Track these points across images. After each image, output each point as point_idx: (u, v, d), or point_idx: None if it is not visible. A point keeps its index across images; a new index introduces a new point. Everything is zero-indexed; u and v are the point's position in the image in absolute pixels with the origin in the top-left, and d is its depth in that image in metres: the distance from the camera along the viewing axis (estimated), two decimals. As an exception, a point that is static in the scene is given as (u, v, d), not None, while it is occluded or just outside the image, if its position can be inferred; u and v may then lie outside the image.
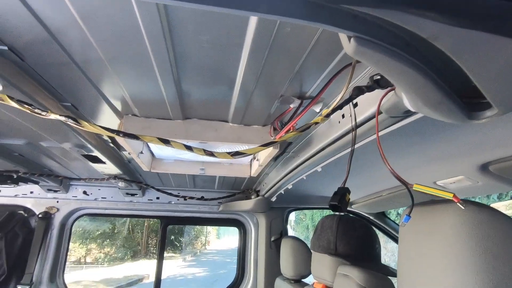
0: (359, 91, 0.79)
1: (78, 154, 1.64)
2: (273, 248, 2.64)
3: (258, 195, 2.59)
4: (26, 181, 2.18)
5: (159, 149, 1.67)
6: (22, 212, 2.42)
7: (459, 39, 0.39)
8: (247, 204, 2.59)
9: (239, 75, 0.91)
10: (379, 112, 0.81)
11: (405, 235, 0.78)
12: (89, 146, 1.47)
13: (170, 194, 2.47)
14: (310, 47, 0.77)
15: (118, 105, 1.18)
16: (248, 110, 1.17)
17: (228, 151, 0.84)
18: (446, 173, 1.41)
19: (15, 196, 2.41)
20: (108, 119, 1.29)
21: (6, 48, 0.78)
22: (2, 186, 2.25)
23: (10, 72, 0.85)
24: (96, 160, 1.73)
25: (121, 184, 2.21)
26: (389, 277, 1.12)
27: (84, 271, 12.87)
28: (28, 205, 2.44)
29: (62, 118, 0.81)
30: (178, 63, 0.85)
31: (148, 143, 1.62)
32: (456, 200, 0.62)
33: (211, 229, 21.63)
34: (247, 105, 1.12)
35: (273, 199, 2.41)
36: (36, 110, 0.84)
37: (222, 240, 23.79)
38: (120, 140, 1.30)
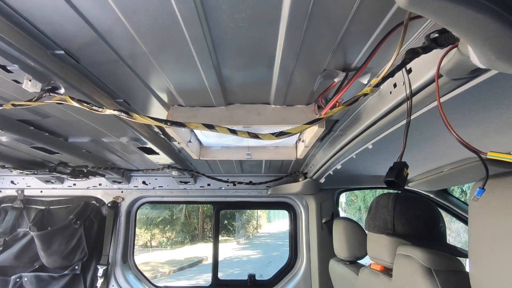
0: (413, 53, 0.70)
1: (135, 147, 1.77)
2: (325, 230, 2.60)
3: (306, 177, 2.55)
4: (94, 174, 2.44)
5: (205, 137, 1.73)
6: (94, 202, 2.73)
7: None
8: (295, 187, 2.58)
9: (278, 52, 0.88)
10: (439, 75, 0.72)
11: (478, 211, 0.69)
12: (143, 138, 1.58)
13: (220, 180, 2.56)
14: (353, 11, 0.71)
15: (164, 97, 1.23)
16: (290, 89, 1.14)
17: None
18: None
19: (87, 188, 2.72)
20: (157, 111, 1.36)
21: (63, 52, 0.85)
22: (76, 180, 2.55)
23: (69, 74, 0.94)
24: (150, 151, 1.86)
25: (174, 173, 2.35)
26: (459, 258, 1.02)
27: (150, 254, 14.26)
28: (98, 196, 2.74)
29: (116, 112, 0.87)
30: (216, 48, 0.85)
31: (195, 132, 1.68)
32: None
33: (261, 213, 22.19)
34: (288, 84, 1.09)
35: (322, 180, 2.36)
36: (93, 108, 0.92)
37: (273, 224, 24.33)
38: (169, 130, 1.36)
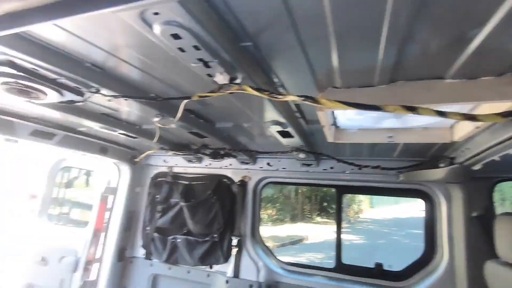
0: None
1: (274, 131, 1.84)
2: (476, 226, 2.20)
3: (451, 163, 2.18)
4: (229, 156, 2.71)
5: (347, 120, 1.64)
6: (226, 180, 3.05)
7: None
8: (437, 174, 2.24)
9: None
10: None
11: None
12: (285, 122, 1.61)
13: (346, 162, 2.45)
14: None
15: (323, 79, 1.18)
16: (483, 56, 0.92)
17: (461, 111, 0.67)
18: None
19: (220, 168, 3.05)
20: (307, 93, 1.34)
21: (251, 44, 0.89)
22: (213, 160, 2.89)
23: (249, 64, 0.99)
24: (287, 135, 1.90)
25: (301, 155, 2.37)
26: None
27: (255, 228, 15.46)
28: (229, 175, 3.04)
29: (301, 99, 0.88)
30: (418, 16, 0.74)
31: (335, 114, 1.61)
32: None
33: (363, 198, 20.98)
34: (492, 48, 0.87)
35: (477, 167, 1.97)
36: (272, 94, 0.94)
37: (376, 210, 22.71)
38: (320, 113, 1.33)
